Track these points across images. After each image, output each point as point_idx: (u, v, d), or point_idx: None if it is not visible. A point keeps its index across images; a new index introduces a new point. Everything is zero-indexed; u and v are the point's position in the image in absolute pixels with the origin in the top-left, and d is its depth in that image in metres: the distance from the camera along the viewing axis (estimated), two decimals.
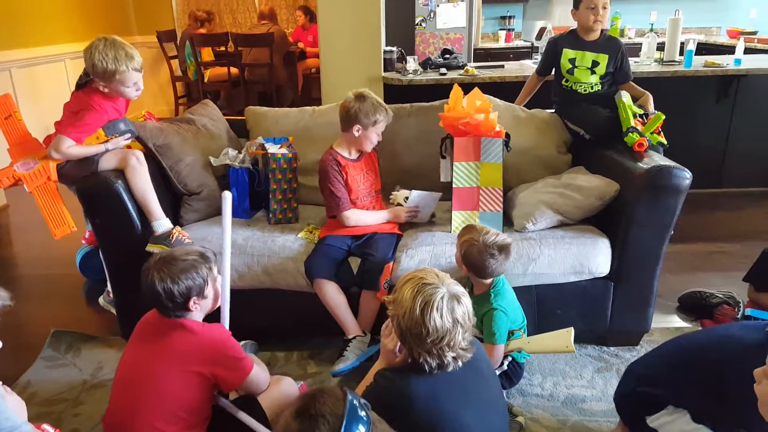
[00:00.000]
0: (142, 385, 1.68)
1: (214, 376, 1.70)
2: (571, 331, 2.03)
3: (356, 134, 2.41)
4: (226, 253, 1.92)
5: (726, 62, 4.07)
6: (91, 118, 2.28)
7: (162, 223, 2.31)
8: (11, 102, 2.49)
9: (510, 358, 2.16)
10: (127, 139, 2.39)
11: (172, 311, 1.71)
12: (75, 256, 3.19)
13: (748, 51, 4.44)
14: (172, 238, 2.25)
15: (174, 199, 2.58)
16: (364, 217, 2.45)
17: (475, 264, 2.05)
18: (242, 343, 2.35)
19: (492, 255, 2.03)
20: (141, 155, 2.32)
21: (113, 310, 2.69)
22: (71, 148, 2.26)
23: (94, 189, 2.29)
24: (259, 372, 1.81)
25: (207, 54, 6.22)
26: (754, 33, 6.11)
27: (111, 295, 2.70)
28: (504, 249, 2.05)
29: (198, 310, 1.75)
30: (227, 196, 1.85)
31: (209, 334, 1.74)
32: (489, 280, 2.12)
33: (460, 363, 1.51)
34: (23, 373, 2.41)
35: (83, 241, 3.17)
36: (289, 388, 1.93)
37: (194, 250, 1.78)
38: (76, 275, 3.20)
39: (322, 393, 1.24)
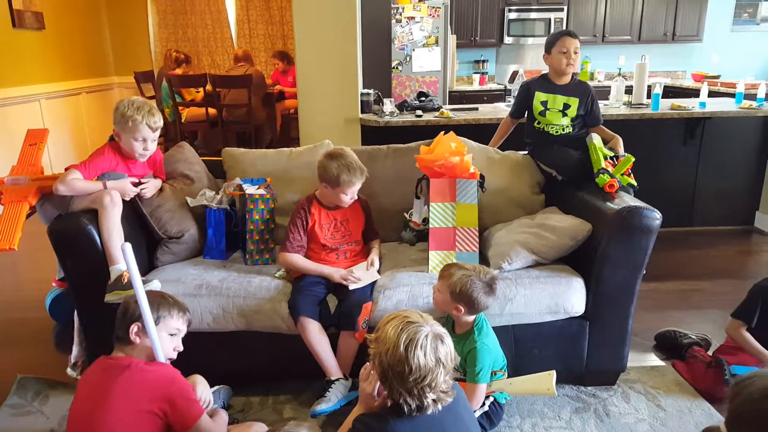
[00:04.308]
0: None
1: (165, 415, 1.69)
2: (553, 374, 2.04)
3: (324, 189, 2.47)
4: (143, 306, 1.80)
5: (692, 105, 4.22)
6: (97, 158, 2.40)
7: (117, 268, 2.25)
8: (45, 136, 2.75)
9: (492, 399, 2.16)
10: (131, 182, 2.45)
11: (121, 331, 1.81)
12: (44, 299, 3.11)
13: (712, 94, 4.61)
14: (124, 279, 2.19)
15: (151, 241, 2.55)
16: (296, 263, 2.43)
17: (470, 299, 2.05)
18: (216, 388, 2.31)
19: (490, 287, 2.08)
20: (117, 195, 2.30)
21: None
22: (75, 180, 2.31)
23: (65, 231, 2.25)
24: (208, 423, 1.79)
25: (190, 93, 6.23)
26: (717, 77, 6.37)
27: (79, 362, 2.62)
28: (494, 279, 2.11)
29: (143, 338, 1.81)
30: (127, 248, 1.82)
31: (159, 371, 1.77)
32: (473, 318, 2.13)
33: (439, 406, 1.49)
34: None
35: (53, 284, 3.10)
36: None
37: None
38: (45, 319, 3.11)
39: None
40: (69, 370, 2.59)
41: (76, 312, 2.45)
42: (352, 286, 2.34)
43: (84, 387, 1.78)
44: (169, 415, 1.69)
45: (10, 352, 2.92)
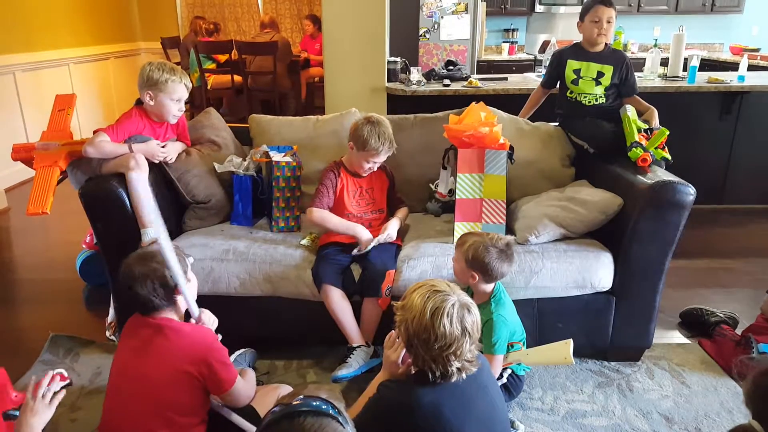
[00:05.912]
0: (136, 390, 1.68)
1: (203, 377, 1.70)
2: (570, 342, 2.02)
3: (350, 151, 2.46)
4: (162, 237, 1.69)
5: (729, 79, 4.07)
6: (125, 121, 2.42)
7: (148, 232, 2.27)
8: (73, 101, 2.80)
9: (509, 371, 2.16)
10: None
11: (162, 299, 1.71)
12: (75, 260, 3.18)
13: (751, 68, 4.45)
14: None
15: (179, 206, 2.58)
16: (329, 218, 2.41)
17: (484, 265, 2.04)
18: (241, 351, 2.35)
19: (505, 253, 2.05)
20: (142, 159, 2.32)
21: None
22: (103, 142, 2.33)
23: (95, 193, 2.28)
24: (242, 384, 1.81)
25: (223, 56, 6.19)
26: (757, 50, 6.15)
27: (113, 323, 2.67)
28: (509, 246, 2.08)
29: (182, 299, 1.77)
30: (133, 179, 1.83)
31: (198, 333, 1.77)
32: (490, 288, 2.12)
33: (464, 375, 1.50)
34: (21, 376, 2.39)
35: (83, 246, 3.16)
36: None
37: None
38: (75, 279, 3.19)
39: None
40: (107, 333, 2.66)
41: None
42: (354, 252, 2.35)
43: (127, 343, 1.79)
44: (206, 378, 1.70)
45: (42, 310, 3.00)
